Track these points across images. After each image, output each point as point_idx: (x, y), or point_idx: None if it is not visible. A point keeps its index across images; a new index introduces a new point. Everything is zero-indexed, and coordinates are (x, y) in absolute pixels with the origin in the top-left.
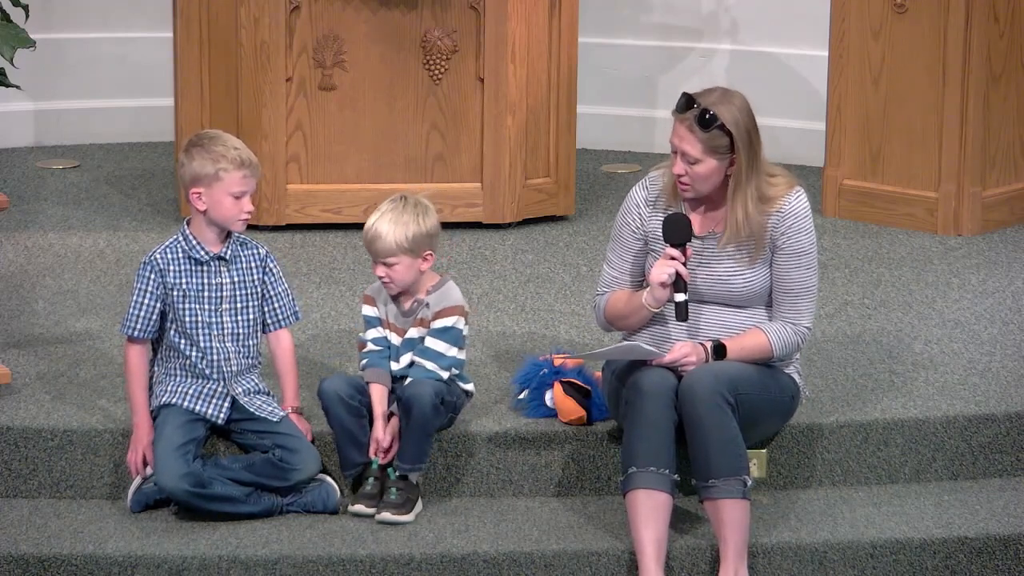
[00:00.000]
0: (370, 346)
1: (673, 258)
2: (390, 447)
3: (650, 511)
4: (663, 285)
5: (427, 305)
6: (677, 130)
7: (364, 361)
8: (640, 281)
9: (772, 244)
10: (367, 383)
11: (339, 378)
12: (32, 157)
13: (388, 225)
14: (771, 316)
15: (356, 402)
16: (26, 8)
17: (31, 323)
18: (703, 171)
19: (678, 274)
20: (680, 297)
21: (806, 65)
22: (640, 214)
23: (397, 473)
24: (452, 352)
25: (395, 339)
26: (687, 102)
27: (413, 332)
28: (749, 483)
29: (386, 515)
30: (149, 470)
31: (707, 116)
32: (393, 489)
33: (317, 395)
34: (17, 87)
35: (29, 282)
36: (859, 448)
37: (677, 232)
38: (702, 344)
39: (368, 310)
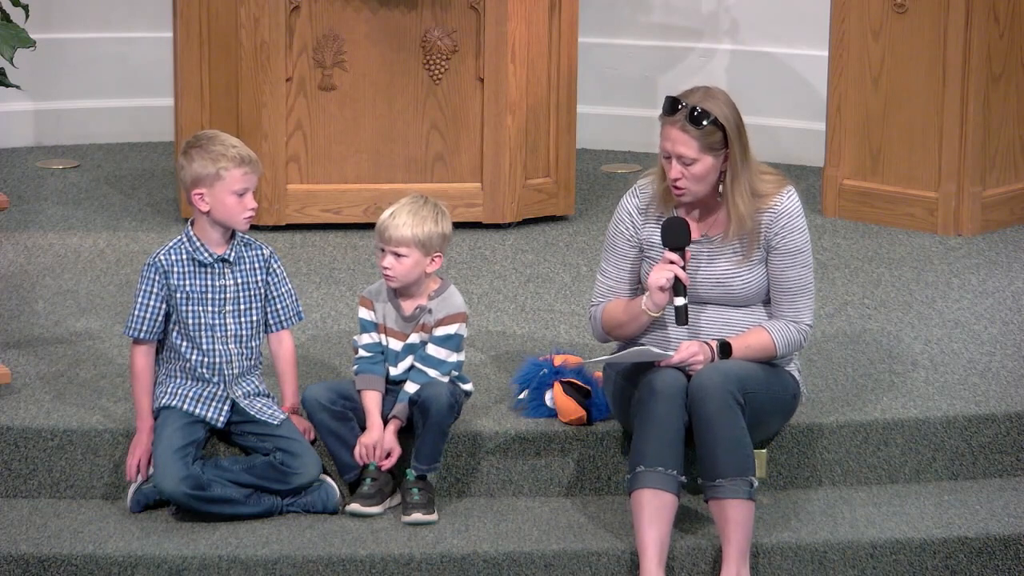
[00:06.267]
0: (362, 352)
1: (672, 262)
2: (389, 453)
3: (655, 511)
4: (662, 289)
5: (430, 311)
6: (668, 134)
7: (356, 367)
8: (636, 290)
9: (767, 244)
10: (359, 390)
11: (319, 385)
12: (32, 157)
13: (407, 216)
14: (770, 314)
15: (339, 407)
16: (26, 8)
17: (31, 323)
18: (700, 170)
19: (677, 278)
20: (679, 301)
21: (806, 65)
22: (633, 222)
23: (415, 474)
24: (453, 358)
25: (395, 344)
26: (673, 104)
27: (414, 338)
28: (755, 484)
29: (416, 516)
30: (140, 478)
31: (697, 113)
32: (415, 490)
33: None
34: (17, 87)
35: (29, 282)
36: (859, 448)
37: (676, 236)
38: (708, 343)
39: (365, 313)
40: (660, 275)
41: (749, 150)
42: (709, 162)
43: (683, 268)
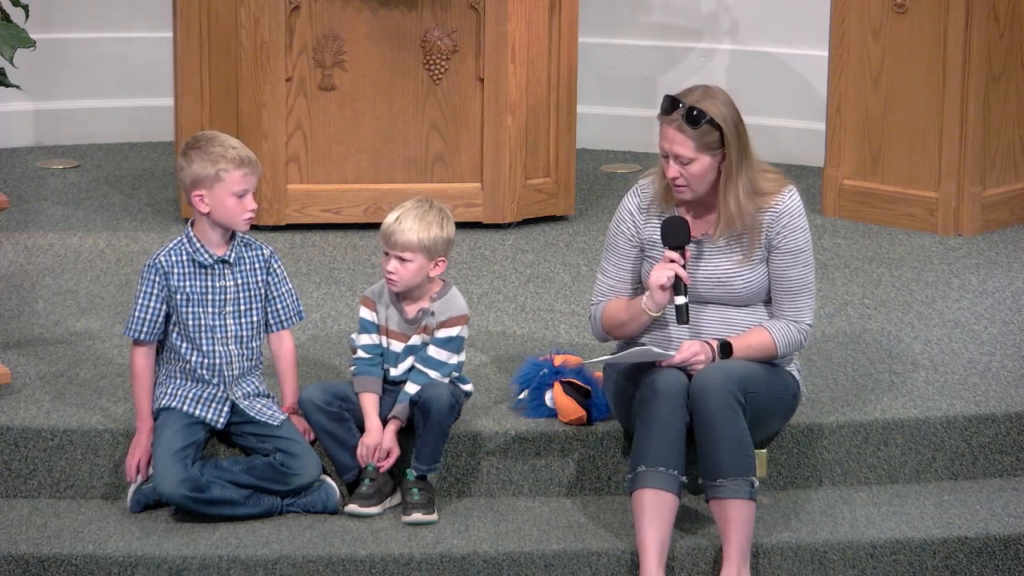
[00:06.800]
0: (361, 353)
1: (672, 260)
2: (388, 454)
3: (656, 511)
4: (663, 288)
5: (432, 314)
6: (666, 133)
7: (353, 368)
8: (636, 289)
9: (768, 243)
10: (357, 392)
11: (314, 387)
12: (32, 157)
13: (413, 222)
14: (771, 314)
15: (335, 407)
16: (26, 8)
17: (31, 323)
18: (698, 170)
19: (677, 277)
20: (680, 300)
21: (806, 65)
22: (634, 221)
23: (416, 474)
24: (454, 360)
25: (396, 345)
26: (671, 103)
27: (415, 339)
28: (756, 484)
29: (416, 516)
30: (140, 478)
31: (694, 113)
32: (415, 490)
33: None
34: (17, 87)
35: (29, 282)
36: (859, 448)
37: (676, 235)
38: (709, 343)
39: (366, 313)
40: (661, 274)
41: (749, 150)
42: (707, 162)
43: (683, 267)
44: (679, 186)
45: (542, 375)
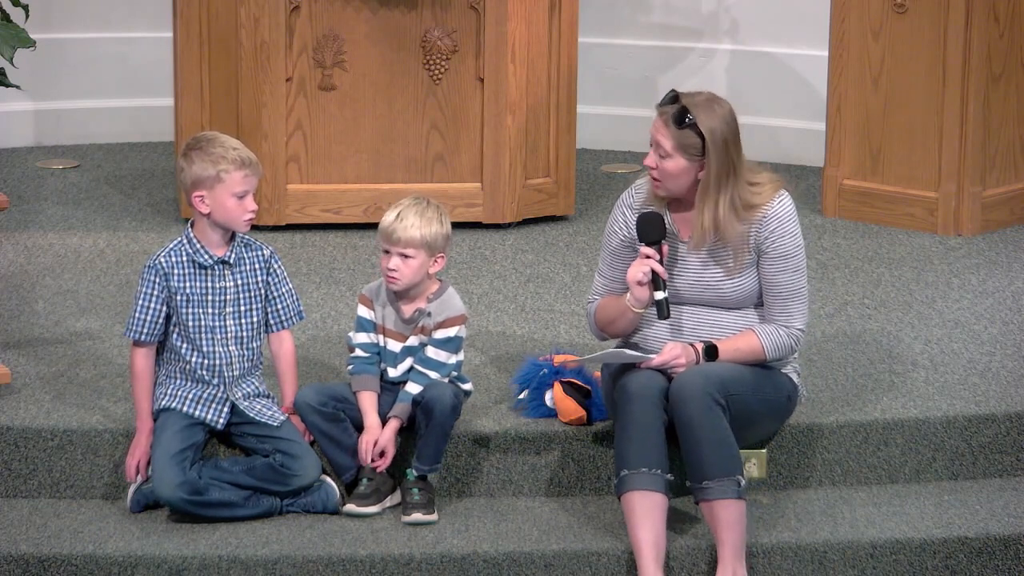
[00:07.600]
0: (358, 351)
1: (648, 256)
2: (384, 454)
3: (646, 512)
4: (640, 284)
5: (428, 314)
6: (656, 121)
7: (351, 367)
8: None
9: (757, 248)
10: (355, 391)
11: (309, 388)
12: (32, 157)
13: (415, 218)
14: (762, 317)
15: (331, 408)
16: (26, 8)
17: (31, 323)
18: (671, 167)
19: (655, 272)
20: (660, 295)
21: (806, 65)
22: (627, 221)
23: (416, 474)
24: (453, 360)
25: (394, 346)
26: (672, 98)
27: (413, 340)
28: (743, 483)
29: (416, 516)
30: (140, 478)
31: (683, 116)
32: (415, 490)
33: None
34: (17, 87)
35: (29, 282)
36: (859, 448)
37: (650, 230)
38: (693, 346)
39: (364, 312)
40: (636, 270)
41: (735, 169)
42: (682, 163)
43: (660, 262)
44: (654, 179)
45: (542, 375)
